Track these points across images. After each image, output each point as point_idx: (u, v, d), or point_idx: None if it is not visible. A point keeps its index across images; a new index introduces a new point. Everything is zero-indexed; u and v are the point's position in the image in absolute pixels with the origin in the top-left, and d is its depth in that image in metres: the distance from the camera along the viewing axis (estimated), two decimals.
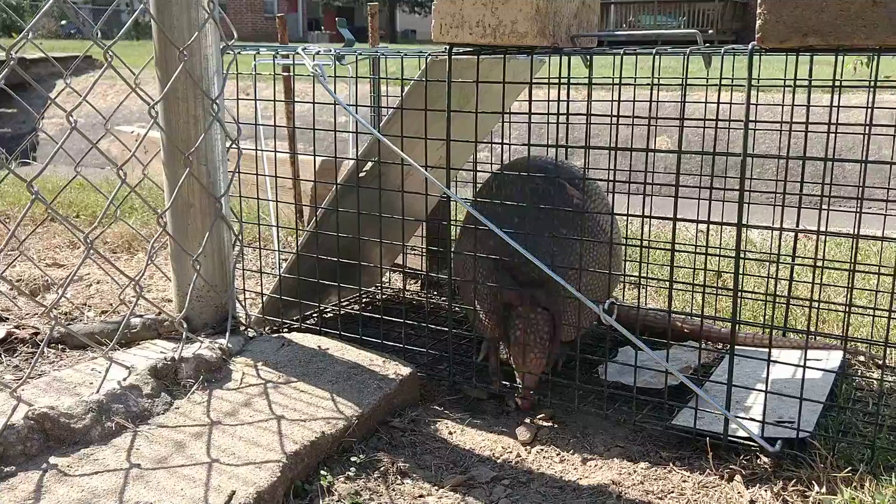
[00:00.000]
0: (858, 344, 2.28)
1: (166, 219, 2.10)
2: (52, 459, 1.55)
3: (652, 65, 1.79)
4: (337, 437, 1.76)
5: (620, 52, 1.79)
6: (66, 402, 1.66)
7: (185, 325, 2.00)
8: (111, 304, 2.60)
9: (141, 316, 2.23)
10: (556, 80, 1.91)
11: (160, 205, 2.12)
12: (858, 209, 1.87)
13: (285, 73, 3.02)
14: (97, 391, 1.74)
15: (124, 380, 1.80)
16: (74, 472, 1.52)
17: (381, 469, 1.73)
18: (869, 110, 1.89)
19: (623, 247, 2.30)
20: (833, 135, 2.01)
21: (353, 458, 1.75)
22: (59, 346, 2.21)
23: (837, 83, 1.90)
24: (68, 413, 1.63)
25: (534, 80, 2.07)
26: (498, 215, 1.96)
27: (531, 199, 2.01)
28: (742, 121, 1.63)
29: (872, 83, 1.65)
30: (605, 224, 2.12)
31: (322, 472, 1.69)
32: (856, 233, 1.77)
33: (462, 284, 2.16)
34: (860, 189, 1.80)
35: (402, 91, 2.08)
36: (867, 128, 1.73)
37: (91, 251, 1.74)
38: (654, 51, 1.77)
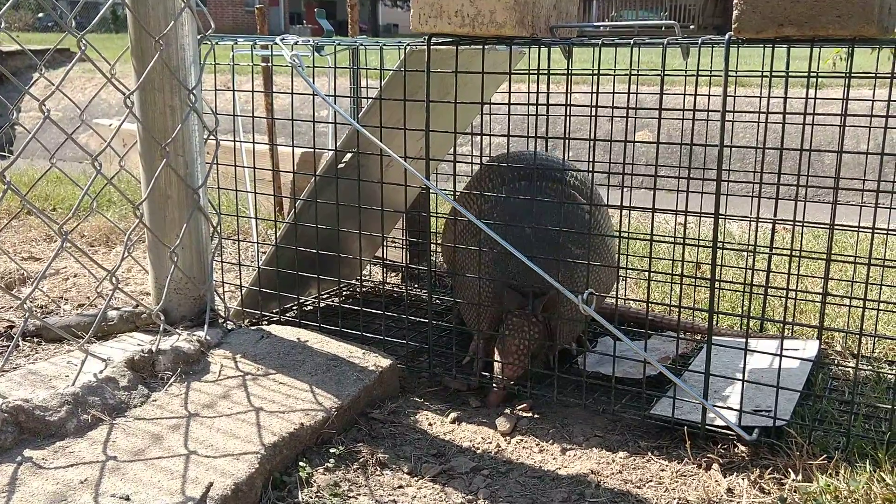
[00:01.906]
0: (834, 333, 2.30)
1: (143, 210, 2.08)
2: (27, 452, 1.54)
3: (630, 56, 1.79)
4: (316, 428, 1.75)
5: (599, 44, 1.79)
6: (41, 395, 1.64)
7: (162, 318, 1.99)
8: (88, 298, 2.58)
9: (118, 308, 2.21)
10: (536, 72, 1.90)
11: (138, 197, 2.10)
12: (834, 200, 1.88)
13: (264, 64, 3.00)
14: (73, 384, 1.72)
15: (101, 372, 1.78)
16: (49, 465, 1.50)
17: (361, 460, 1.73)
18: (845, 102, 1.90)
19: (618, 248, 2.32)
20: (810, 126, 2.03)
21: (332, 450, 1.74)
22: (35, 340, 2.18)
23: (814, 74, 1.92)
24: (43, 406, 1.61)
25: (514, 72, 2.07)
26: (503, 217, 1.98)
27: (538, 206, 2.01)
28: (719, 111, 1.64)
29: (847, 74, 1.66)
30: (608, 235, 2.13)
31: (301, 463, 1.68)
32: (831, 223, 1.79)
33: (459, 282, 2.16)
34: (836, 180, 1.81)
35: (380, 82, 2.07)
36: (843, 119, 1.74)
37: (66, 243, 1.73)
38: (631, 41, 1.78)
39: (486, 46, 1.90)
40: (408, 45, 1.96)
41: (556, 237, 1.97)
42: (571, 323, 2.03)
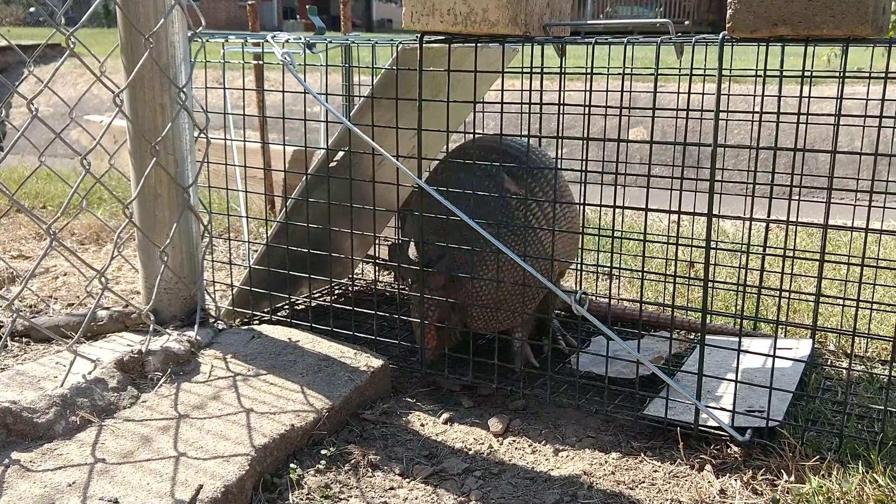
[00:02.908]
0: (828, 332, 2.30)
1: (133, 209, 2.06)
2: (14, 455, 1.52)
3: (623, 55, 1.78)
4: (307, 429, 1.74)
5: (592, 42, 1.78)
6: (29, 397, 1.63)
7: (152, 318, 1.97)
8: (78, 297, 2.56)
9: (108, 308, 2.19)
10: (529, 70, 1.89)
11: (128, 195, 2.08)
12: (828, 200, 1.88)
13: (256, 63, 2.98)
14: (61, 385, 1.70)
15: (89, 373, 1.76)
16: (37, 468, 1.49)
17: (352, 462, 1.72)
18: (839, 101, 1.90)
19: (575, 234, 2.26)
20: (804, 125, 2.02)
21: (323, 451, 1.73)
22: (24, 340, 2.17)
23: (808, 73, 1.91)
24: (31, 407, 1.59)
25: (507, 70, 2.06)
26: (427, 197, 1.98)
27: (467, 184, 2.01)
28: (713, 111, 1.63)
29: (841, 73, 1.65)
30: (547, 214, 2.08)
31: (292, 465, 1.67)
32: (825, 223, 1.78)
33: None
34: (829, 179, 1.80)
35: (372, 80, 2.06)
36: (836, 119, 1.74)
37: (55, 242, 1.71)
38: (625, 40, 1.76)
39: (478, 45, 1.89)
40: (400, 43, 1.95)
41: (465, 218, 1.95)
42: (482, 300, 2.01)
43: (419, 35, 1.89)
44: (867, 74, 1.94)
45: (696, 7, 20.90)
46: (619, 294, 2.63)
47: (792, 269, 2.30)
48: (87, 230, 3.27)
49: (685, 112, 1.91)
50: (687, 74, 1.82)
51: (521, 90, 2.04)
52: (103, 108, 8.38)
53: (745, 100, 2.23)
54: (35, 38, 11.64)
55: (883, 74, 1.61)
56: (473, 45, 1.88)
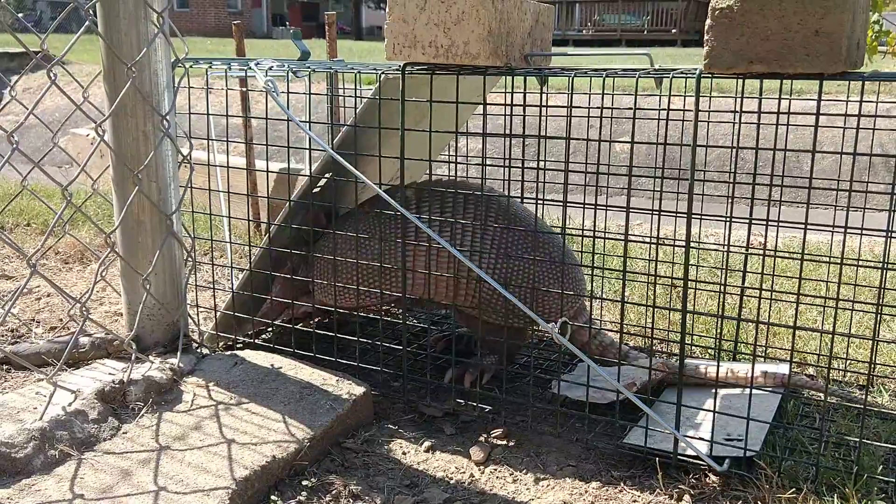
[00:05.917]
0: (807, 355, 2.32)
1: (115, 237, 2.06)
2: None
3: (602, 86, 1.80)
4: (288, 460, 1.75)
5: (571, 75, 1.80)
6: (8, 430, 1.62)
7: (134, 347, 1.97)
8: (61, 320, 2.55)
9: (90, 335, 2.18)
10: (511, 98, 1.90)
11: (112, 215, 2.08)
12: (805, 228, 1.90)
13: (241, 90, 2.98)
14: (40, 417, 1.70)
15: (70, 404, 1.76)
16: None
17: (333, 492, 1.72)
18: (815, 130, 1.92)
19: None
20: (783, 153, 2.04)
21: (304, 482, 1.73)
22: (5, 367, 2.16)
23: (785, 101, 1.93)
24: (9, 442, 1.59)
25: (489, 97, 2.07)
26: None
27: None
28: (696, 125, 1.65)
29: (816, 110, 1.67)
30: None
31: (273, 497, 1.67)
32: (801, 253, 1.80)
33: None
34: (806, 209, 1.83)
35: (355, 107, 2.07)
36: (813, 154, 1.76)
37: (36, 271, 1.70)
38: (604, 74, 1.78)
39: (460, 75, 1.90)
40: (382, 73, 1.96)
41: None
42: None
43: (402, 66, 1.90)
44: (843, 111, 1.96)
45: (683, 16, 21.01)
46: (601, 317, 2.64)
47: (771, 295, 2.32)
48: (72, 249, 3.26)
49: (665, 129, 1.93)
50: (665, 109, 1.84)
51: (504, 115, 2.06)
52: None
53: (728, 103, 2.24)
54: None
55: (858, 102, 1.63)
56: (455, 74, 1.89)
